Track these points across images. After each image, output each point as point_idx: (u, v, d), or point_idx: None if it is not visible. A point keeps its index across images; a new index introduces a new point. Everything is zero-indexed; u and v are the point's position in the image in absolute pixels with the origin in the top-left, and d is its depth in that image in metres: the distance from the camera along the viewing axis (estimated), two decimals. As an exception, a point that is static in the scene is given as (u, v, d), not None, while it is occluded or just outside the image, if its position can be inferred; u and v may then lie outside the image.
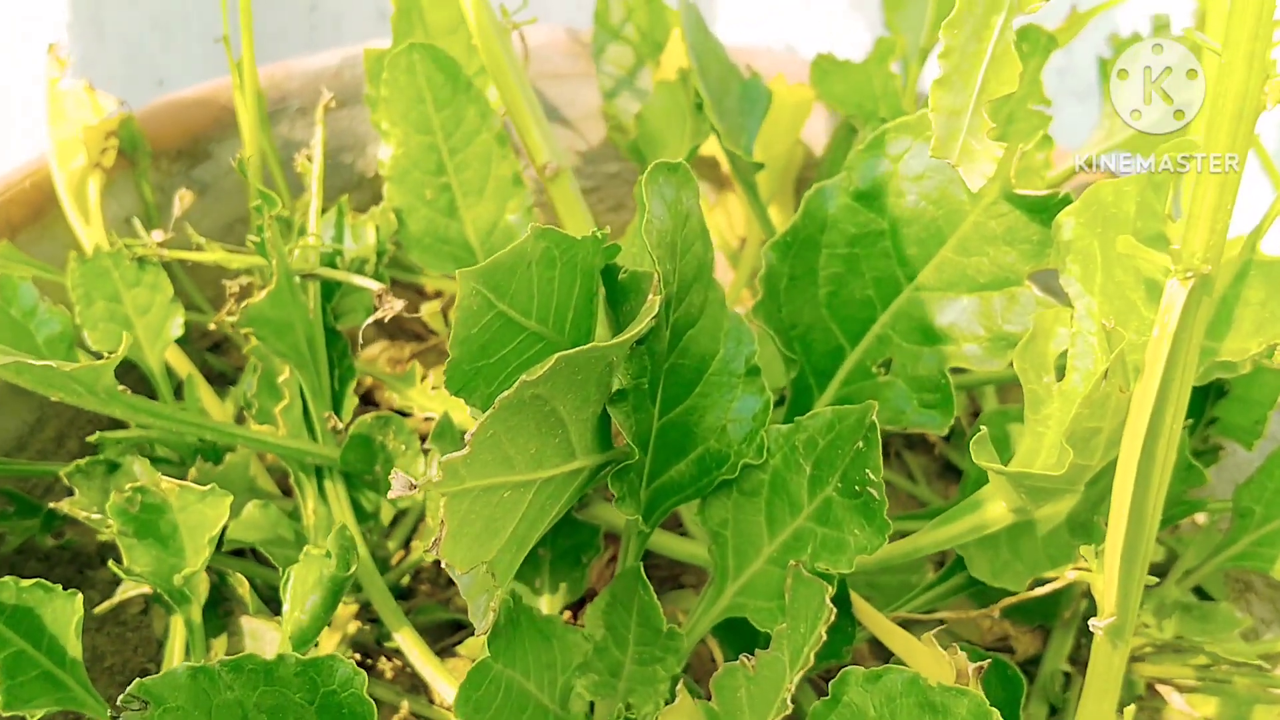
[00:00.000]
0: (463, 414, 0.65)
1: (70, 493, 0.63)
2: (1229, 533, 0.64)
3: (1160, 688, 0.67)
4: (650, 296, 0.46)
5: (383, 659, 0.67)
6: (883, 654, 0.61)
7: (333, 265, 0.65)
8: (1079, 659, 0.66)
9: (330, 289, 0.64)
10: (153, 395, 0.68)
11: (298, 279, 0.61)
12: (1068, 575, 0.52)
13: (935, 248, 0.57)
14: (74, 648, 0.51)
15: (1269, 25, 0.40)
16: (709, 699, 0.50)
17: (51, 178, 0.69)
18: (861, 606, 0.57)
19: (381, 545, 0.67)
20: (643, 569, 0.54)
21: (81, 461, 0.60)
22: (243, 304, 0.58)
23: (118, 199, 0.73)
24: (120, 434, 0.63)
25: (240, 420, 0.70)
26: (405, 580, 0.69)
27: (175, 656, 0.60)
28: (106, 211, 0.71)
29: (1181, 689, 0.67)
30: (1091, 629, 0.47)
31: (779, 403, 0.66)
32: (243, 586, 0.62)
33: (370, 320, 0.57)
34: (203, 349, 0.81)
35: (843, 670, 0.46)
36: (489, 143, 0.64)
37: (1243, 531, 0.64)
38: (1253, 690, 0.64)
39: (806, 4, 1.23)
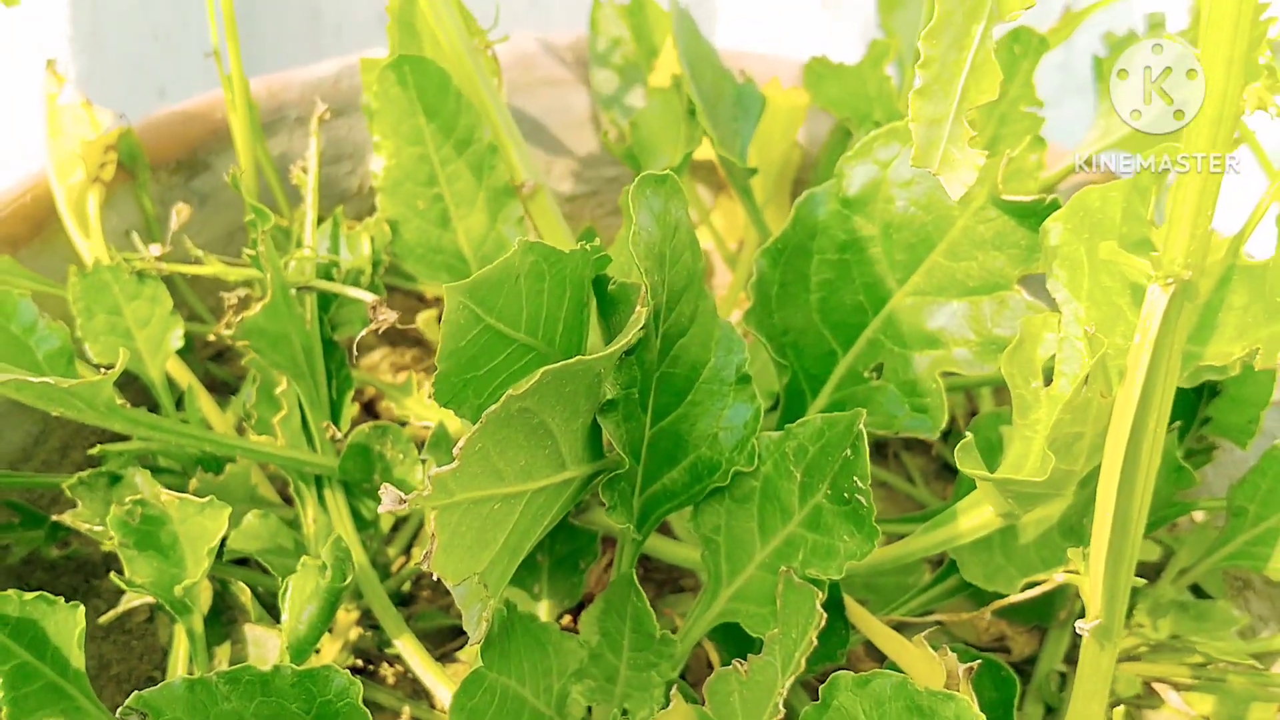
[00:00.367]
0: (458, 423, 0.66)
1: (73, 505, 0.63)
2: (1224, 532, 0.64)
3: (1157, 686, 0.67)
4: (638, 308, 0.47)
5: (384, 665, 0.67)
6: (878, 655, 0.62)
7: (329, 276, 0.66)
8: (1075, 658, 0.67)
9: (327, 300, 0.65)
10: (155, 406, 0.68)
11: (294, 291, 0.62)
12: (1056, 578, 0.52)
13: (925, 253, 0.57)
14: (77, 659, 0.52)
15: (1246, 30, 0.40)
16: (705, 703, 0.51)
17: (52, 192, 0.70)
18: (855, 610, 0.58)
19: (382, 552, 0.68)
20: (636, 576, 0.55)
21: (84, 474, 0.61)
22: (239, 317, 0.58)
23: (118, 211, 0.74)
24: (122, 446, 0.64)
25: (241, 430, 0.71)
26: (406, 586, 0.70)
27: (179, 665, 0.61)
28: (107, 224, 0.72)
29: (1179, 687, 0.67)
30: (1078, 631, 0.48)
31: (773, 408, 0.66)
32: (245, 595, 0.63)
33: (364, 333, 0.58)
34: (205, 358, 0.81)
35: (832, 675, 0.47)
36: (480, 153, 0.65)
37: (1237, 531, 0.64)
38: (1249, 688, 0.64)
39: (806, 2, 1.22)
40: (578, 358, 0.43)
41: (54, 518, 0.64)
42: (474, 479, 0.41)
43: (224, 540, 0.58)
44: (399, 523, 0.71)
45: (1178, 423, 0.64)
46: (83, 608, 0.52)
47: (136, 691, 0.43)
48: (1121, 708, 0.51)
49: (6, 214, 0.69)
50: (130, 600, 0.62)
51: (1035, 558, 0.59)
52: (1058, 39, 0.75)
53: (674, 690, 0.52)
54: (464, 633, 0.69)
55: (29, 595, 0.51)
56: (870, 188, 0.58)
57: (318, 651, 0.62)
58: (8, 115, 1.01)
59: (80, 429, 0.73)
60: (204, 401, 0.69)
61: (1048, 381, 0.51)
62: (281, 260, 0.62)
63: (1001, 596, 0.59)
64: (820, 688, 0.46)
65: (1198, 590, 0.71)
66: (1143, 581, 0.65)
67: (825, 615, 0.47)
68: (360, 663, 0.67)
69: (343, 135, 0.84)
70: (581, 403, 0.47)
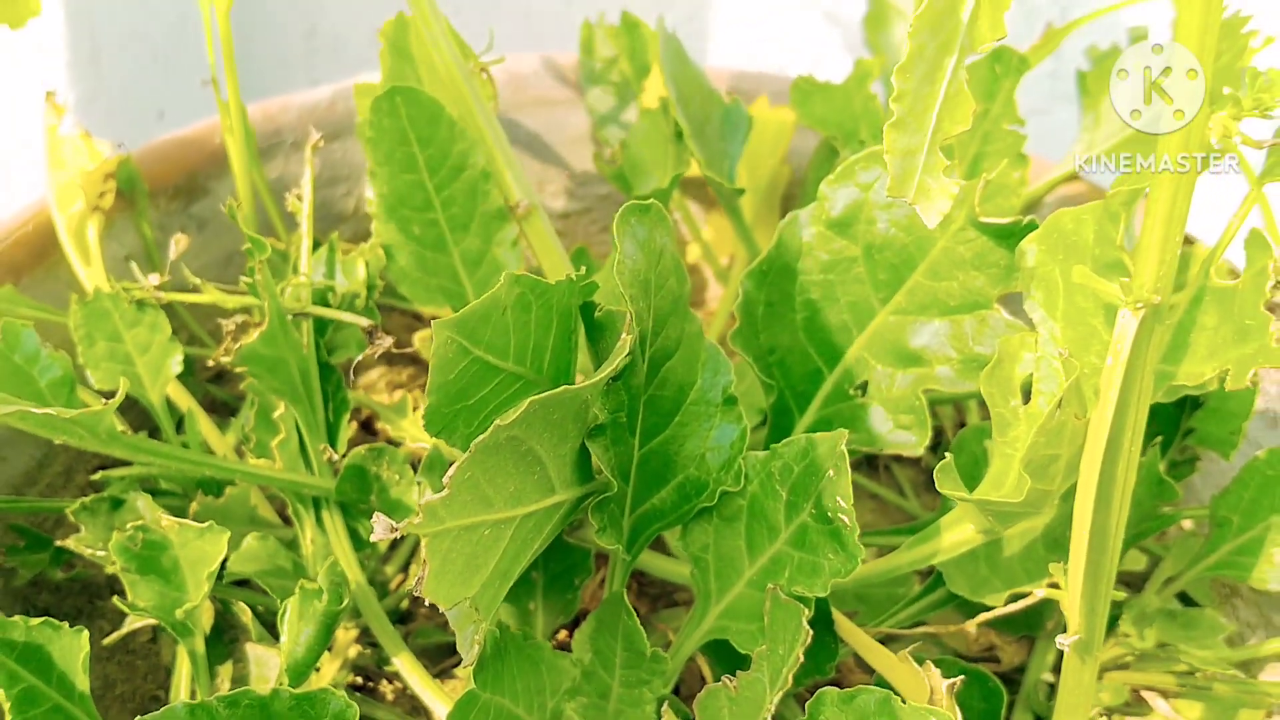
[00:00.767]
0: (453, 444, 0.67)
1: (77, 528, 0.65)
2: (1207, 542, 0.65)
3: (1146, 694, 0.68)
4: (623, 335, 0.48)
5: (384, 682, 0.68)
6: (869, 667, 0.63)
7: (325, 301, 0.67)
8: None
9: (323, 324, 0.66)
10: (155, 429, 0.70)
11: (291, 317, 0.63)
12: (1037, 594, 0.53)
13: (907, 273, 0.59)
14: (82, 682, 0.53)
15: (1210, 59, 0.41)
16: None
17: (53, 220, 0.72)
18: (844, 624, 0.59)
19: (379, 570, 0.69)
20: (629, 593, 0.56)
21: (86, 499, 0.62)
22: (237, 344, 0.60)
23: (117, 239, 0.75)
24: (124, 471, 0.65)
25: (240, 453, 0.72)
26: (404, 604, 0.71)
27: (182, 685, 0.62)
28: (107, 251, 0.73)
29: (1167, 695, 0.68)
30: (1059, 645, 0.49)
31: (761, 423, 0.67)
32: (245, 615, 0.64)
33: (359, 358, 0.59)
34: (205, 379, 0.83)
35: (819, 692, 0.48)
36: (474, 179, 0.66)
37: (1221, 541, 0.65)
38: (1236, 695, 0.65)
39: (806, 3, 1.22)
40: (564, 387, 0.44)
41: (58, 543, 0.66)
42: (464, 506, 0.43)
43: (224, 563, 0.60)
44: (396, 541, 0.73)
45: (1158, 438, 0.65)
46: (86, 632, 0.53)
47: (139, 716, 0.44)
48: (1097, 717, 0.52)
49: (9, 243, 0.70)
50: (133, 623, 0.63)
51: (1020, 570, 0.60)
52: (1040, 56, 0.76)
53: (665, 706, 0.53)
54: (462, 649, 0.70)
55: (35, 621, 0.52)
56: (852, 210, 0.59)
57: (317, 670, 0.63)
58: (9, 134, 1.02)
59: (83, 452, 0.75)
60: (204, 424, 0.70)
61: (1028, 398, 0.52)
62: (278, 286, 0.64)
63: (990, 607, 0.60)
64: (807, 704, 0.48)
65: (1186, 598, 0.72)
66: (1123, 595, 0.66)
67: (811, 632, 0.48)
68: (360, 680, 0.68)
69: (338, 158, 0.86)
70: (569, 428, 0.49)
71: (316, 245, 0.71)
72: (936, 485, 0.49)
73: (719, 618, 0.55)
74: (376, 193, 0.67)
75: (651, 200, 0.51)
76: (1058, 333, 0.51)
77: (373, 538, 0.40)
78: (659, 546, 0.70)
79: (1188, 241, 0.74)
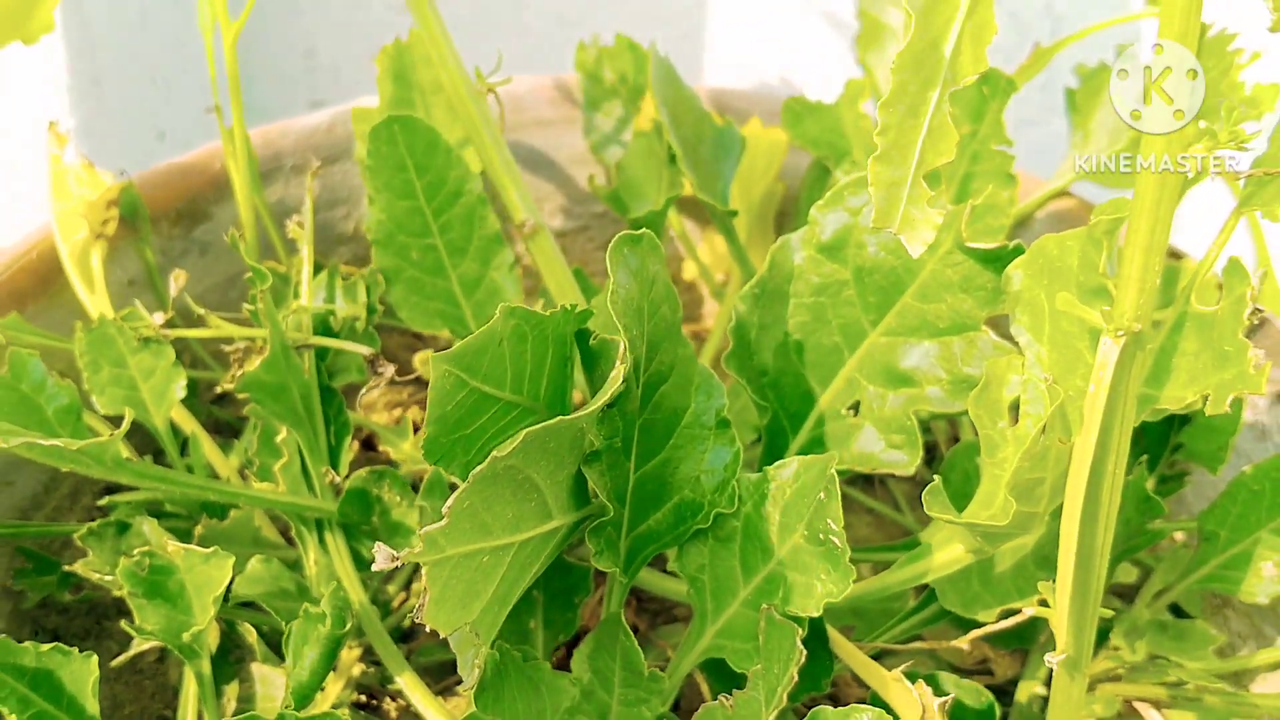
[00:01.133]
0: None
1: (84, 552, 0.66)
2: (1196, 556, 0.66)
3: (1138, 705, 0.69)
4: (616, 364, 0.49)
5: (387, 699, 0.69)
6: (865, 681, 0.64)
7: (326, 325, 0.68)
8: (1056, 680, 0.68)
9: (324, 349, 0.67)
10: (160, 452, 0.71)
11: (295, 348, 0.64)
12: (1027, 611, 0.54)
13: (896, 295, 0.60)
14: (91, 706, 0.55)
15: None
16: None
17: (56, 248, 0.73)
18: (839, 640, 0.60)
19: (382, 590, 0.70)
20: (628, 612, 0.57)
21: (93, 524, 0.63)
22: (240, 371, 0.61)
23: (120, 264, 0.76)
24: (129, 496, 0.66)
25: (244, 476, 0.73)
26: (406, 622, 0.72)
27: (189, 706, 0.63)
28: (110, 276, 0.74)
29: (1159, 706, 0.69)
30: (1047, 663, 0.50)
31: (755, 442, 0.69)
32: (251, 635, 0.66)
33: (366, 390, 0.60)
34: (208, 401, 0.84)
35: (812, 710, 0.49)
36: (471, 204, 0.67)
37: (1210, 555, 0.66)
38: (1227, 706, 0.66)
39: (806, 3, 1.22)
40: (559, 418, 0.45)
41: (66, 567, 0.67)
42: (463, 534, 0.44)
43: (229, 586, 0.61)
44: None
45: (1144, 457, 0.66)
46: (95, 657, 0.54)
47: (148, 742, 0.45)
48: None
49: (13, 270, 0.71)
50: (140, 645, 0.64)
51: (1011, 586, 0.61)
52: (1028, 76, 0.77)
53: (663, 724, 0.55)
54: (464, 667, 0.71)
55: (45, 646, 0.54)
56: (842, 234, 0.60)
57: (322, 690, 0.64)
58: (9, 157, 1.04)
59: (89, 476, 0.76)
60: (208, 448, 0.72)
61: (1015, 419, 0.53)
62: (280, 313, 0.65)
63: (983, 623, 0.61)
64: (803, 721, 0.49)
65: (1178, 610, 0.73)
66: (1114, 609, 0.67)
67: (805, 651, 0.49)
68: (364, 698, 0.69)
69: (338, 181, 0.87)
70: (566, 455, 0.50)
71: (318, 268, 0.72)
72: (925, 508, 0.50)
73: (715, 637, 0.56)
74: (375, 219, 0.69)
75: (644, 230, 0.52)
76: (1044, 356, 0.52)
77: (374, 568, 0.41)
78: (658, 563, 0.71)
79: (1176, 256, 0.75)
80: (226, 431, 0.83)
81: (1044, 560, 0.60)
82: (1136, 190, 0.42)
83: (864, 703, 0.50)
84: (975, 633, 0.60)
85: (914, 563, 0.57)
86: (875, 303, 0.60)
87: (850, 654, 0.59)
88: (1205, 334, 0.49)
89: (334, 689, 0.67)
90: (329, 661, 0.56)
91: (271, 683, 0.66)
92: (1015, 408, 0.53)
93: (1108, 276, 0.48)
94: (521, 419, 0.50)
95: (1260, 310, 0.47)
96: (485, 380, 0.46)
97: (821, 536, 0.52)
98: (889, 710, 0.49)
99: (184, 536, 0.65)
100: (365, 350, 0.61)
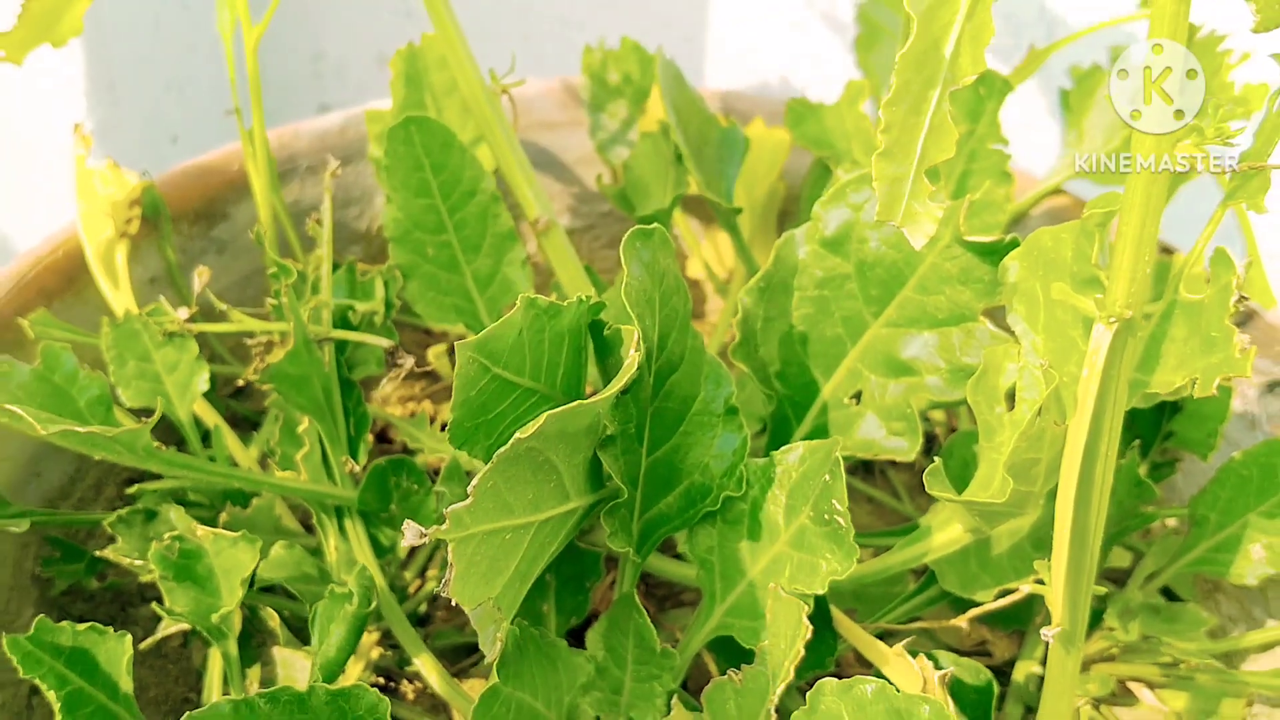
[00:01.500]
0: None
1: (112, 539, 0.68)
2: (1186, 540, 0.69)
3: (1131, 685, 0.71)
4: (631, 352, 0.51)
5: (404, 681, 0.72)
6: (867, 662, 0.66)
7: (345, 319, 0.70)
8: (1052, 661, 0.71)
9: (344, 343, 0.70)
10: (182, 443, 0.73)
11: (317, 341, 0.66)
12: (1024, 589, 0.56)
13: (897, 288, 0.62)
14: (125, 683, 0.57)
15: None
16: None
17: (82, 247, 0.75)
18: (842, 620, 0.62)
19: (399, 576, 0.73)
20: (638, 594, 0.60)
21: (122, 511, 0.65)
22: (264, 362, 0.63)
23: (143, 262, 0.79)
24: (156, 485, 0.68)
25: (264, 465, 0.75)
26: (423, 608, 0.74)
27: (214, 687, 0.65)
28: (133, 274, 0.77)
29: (1152, 685, 0.71)
30: (1043, 637, 0.52)
31: (761, 430, 0.71)
32: (273, 620, 0.68)
33: (385, 381, 0.62)
34: (226, 395, 0.86)
35: (818, 682, 0.51)
36: (485, 202, 0.70)
37: (1200, 539, 0.68)
38: (1218, 685, 0.68)
39: (807, 5, 1.24)
40: (578, 402, 0.48)
41: (95, 553, 0.69)
42: (487, 513, 0.46)
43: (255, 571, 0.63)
44: (414, 549, 0.76)
45: (1137, 441, 0.68)
46: (129, 636, 0.57)
47: (187, 713, 0.47)
48: (1086, 706, 0.55)
49: (40, 268, 0.74)
50: (168, 627, 0.67)
51: (1008, 567, 0.63)
52: (1023, 77, 0.79)
53: (675, 699, 0.57)
54: (478, 650, 0.73)
55: (81, 626, 0.56)
56: (845, 229, 0.62)
57: (343, 672, 0.67)
58: (30, 167, 1.06)
59: (113, 467, 0.78)
60: (229, 439, 0.74)
61: (1011, 406, 0.56)
62: (301, 308, 0.67)
63: (981, 603, 0.64)
64: (808, 694, 0.51)
65: (1170, 593, 0.75)
66: (1108, 590, 0.69)
67: (811, 627, 0.51)
68: (382, 680, 0.71)
69: (351, 181, 0.89)
70: (582, 439, 0.52)
71: (335, 266, 0.74)
72: (926, 487, 0.52)
73: (724, 615, 0.58)
74: (391, 217, 0.71)
75: (655, 225, 0.54)
76: (1039, 344, 0.54)
77: (404, 544, 0.43)
78: (666, 549, 0.73)
79: (1166, 251, 0.77)
80: (244, 425, 0.85)
81: (1040, 542, 0.62)
82: (1128, 184, 0.45)
83: (868, 677, 0.52)
84: (974, 611, 0.62)
85: (914, 544, 0.59)
86: (876, 295, 0.62)
87: (853, 633, 0.61)
88: (1193, 321, 0.51)
89: (354, 670, 0.69)
90: (355, 639, 0.58)
91: (293, 665, 0.68)
92: (1012, 395, 0.56)
93: (1100, 268, 0.50)
94: (540, 405, 0.53)
95: (1245, 298, 0.50)
96: (506, 367, 0.49)
97: (827, 517, 0.54)
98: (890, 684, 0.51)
99: (207, 524, 0.67)
100: (385, 343, 0.64)
